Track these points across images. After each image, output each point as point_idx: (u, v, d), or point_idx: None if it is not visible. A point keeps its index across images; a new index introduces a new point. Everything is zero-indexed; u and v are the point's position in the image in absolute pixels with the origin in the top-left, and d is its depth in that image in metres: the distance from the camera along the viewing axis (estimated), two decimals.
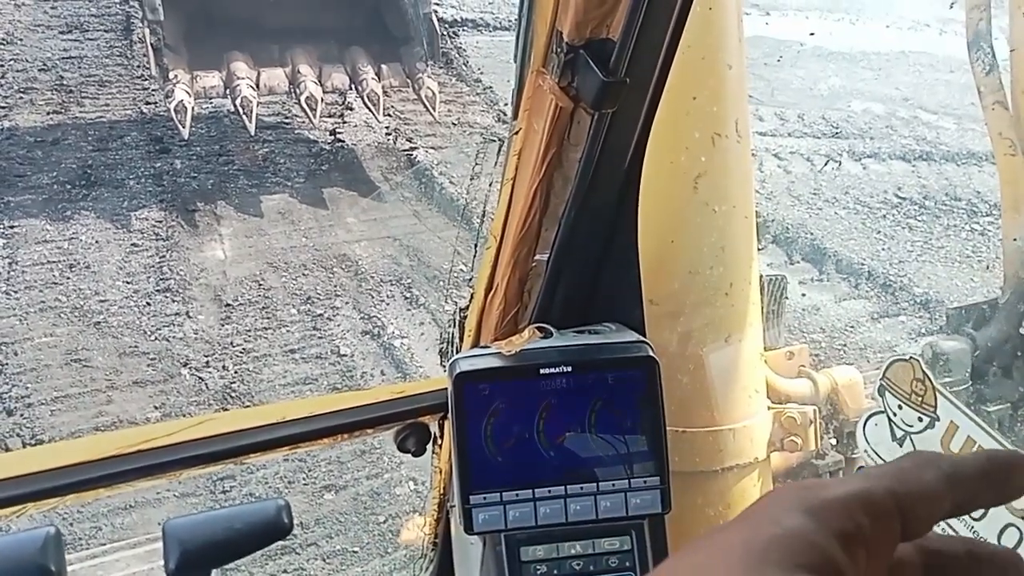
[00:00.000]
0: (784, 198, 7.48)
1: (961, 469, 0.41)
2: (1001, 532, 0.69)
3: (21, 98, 8.10)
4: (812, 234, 6.86)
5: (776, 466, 1.52)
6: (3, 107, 7.92)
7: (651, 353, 1.09)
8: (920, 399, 0.75)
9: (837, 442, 1.72)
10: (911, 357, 0.74)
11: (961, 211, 7.26)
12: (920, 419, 0.76)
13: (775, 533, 0.36)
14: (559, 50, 0.94)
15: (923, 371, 0.74)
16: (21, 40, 9.08)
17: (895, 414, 0.78)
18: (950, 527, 0.74)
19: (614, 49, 0.92)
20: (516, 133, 1.07)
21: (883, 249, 6.75)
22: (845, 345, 5.62)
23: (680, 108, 1.11)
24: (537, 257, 1.18)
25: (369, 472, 4.44)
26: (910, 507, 0.39)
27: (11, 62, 8.64)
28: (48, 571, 0.94)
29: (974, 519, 0.72)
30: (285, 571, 3.86)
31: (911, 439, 0.77)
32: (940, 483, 0.40)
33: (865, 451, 0.80)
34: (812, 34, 10.40)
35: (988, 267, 6.23)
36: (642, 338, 1.14)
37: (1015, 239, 2.39)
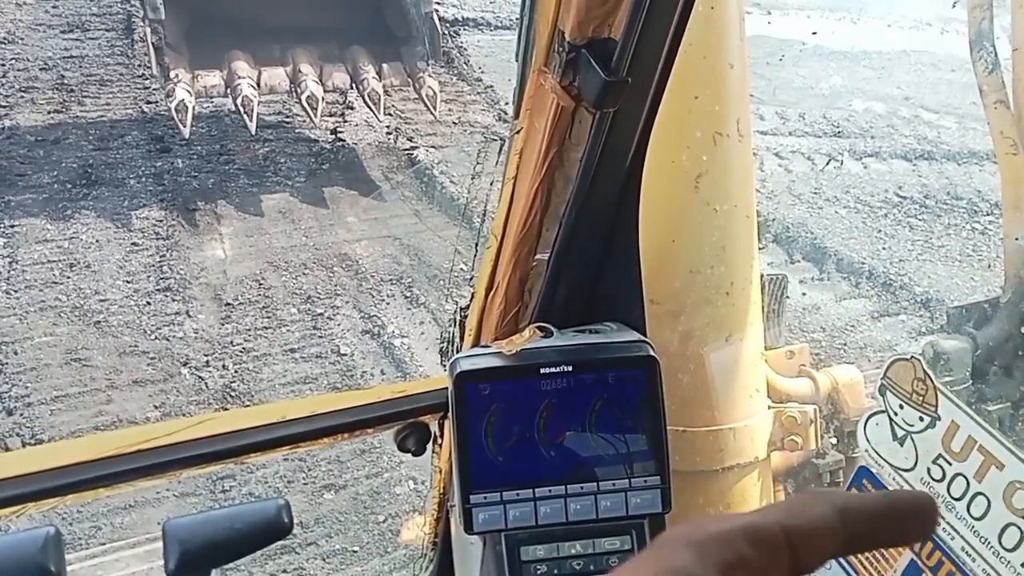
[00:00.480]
0: (785, 197, 7.48)
1: (856, 505, 0.41)
2: (1001, 532, 0.69)
3: (22, 97, 8.10)
4: (812, 233, 6.86)
5: (776, 465, 1.52)
6: (4, 106, 7.92)
7: (652, 352, 1.09)
8: (921, 399, 0.75)
9: (838, 441, 1.72)
10: (912, 356, 0.74)
11: (962, 210, 7.26)
12: (921, 419, 0.76)
13: (657, 570, 0.37)
14: (561, 49, 0.94)
15: (924, 371, 0.74)
16: (22, 39, 9.09)
17: (896, 414, 0.78)
18: (951, 526, 0.74)
19: (616, 48, 0.92)
20: (517, 132, 1.07)
21: (884, 248, 6.75)
22: (845, 344, 5.62)
23: (682, 107, 1.11)
24: (538, 256, 1.18)
25: (369, 471, 4.44)
26: (800, 540, 0.39)
27: (12, 61, 8.64)
28: (48, 571, 0.94)
29: (975, 518, 0.71)
30: (285, 570, 3.86)
31: (912, 439, 0.77)
32: (831, 517, 0.40)
33: (866, 451, 0.80)
34: (815, 33, 10.40)
35: (989, 266, 6.23)
36: (643, 337, 1.14)
37: (1016, 238, 2.39)
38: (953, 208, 7.31)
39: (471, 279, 1.35)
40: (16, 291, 5.78)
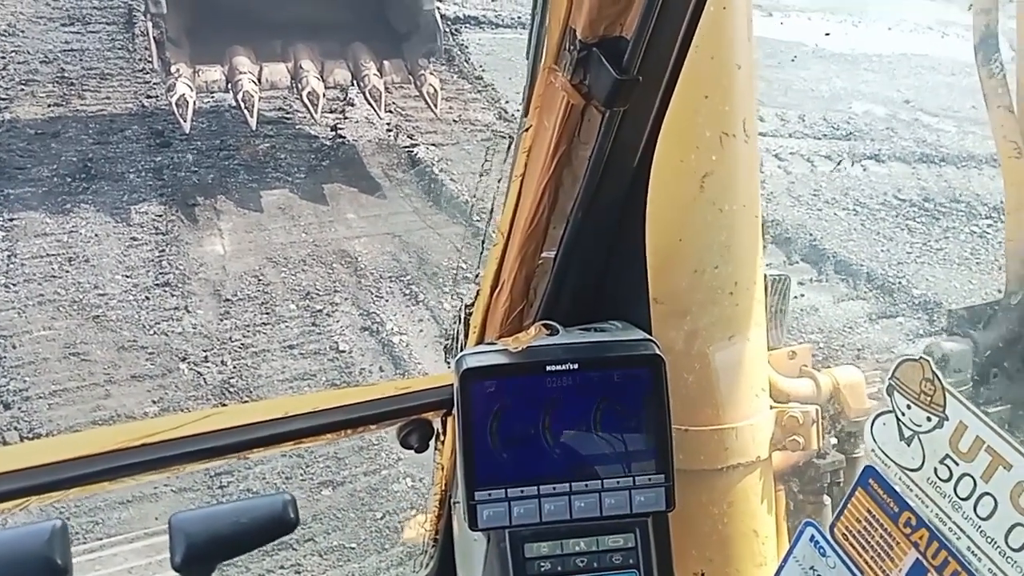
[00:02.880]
0: (784, 198, 7.49)
1: None
2: (1008, 532, 0.70)
3: (22, 90, 8.08)
4: (811, 235, 6.87)
5: (778, 465, 1.52)
6: (4, 99, 7.90)
7: (657, 351, 1.10)
8: (929, 399, 0.75)
9: (839, 442, 1.73)
10: (921, 357, 0.75)
11: (960, 213, 7.27)
12: (929, 419, 0.76)
13: None
14: (572, 47, 0.94)
15: (933, 371, 0.75)
16: (23, 32, 9.07)
17: (903, 414, 0.78)
18: (957, 525, 0.74)
19: (627, 47, 0.92)
20: (526, 130, 1.07)
21: (882, 250, 6.77)
22: (843, 346, 5.63)
23: (690, 107, 1.11)
24: (544, 254, 1.18)
25: (367, 468, 4.44)
26: None
27: (12, 54, 8.62)
28: (54, 564, 0.94)
29: (981, 518, 0.72)
30: (282, 567, 3.86)
31: (919, 439, 0.77)
32: None
33: (872, 451, 0.81)
34: (828, 34, 10.39)
35: (1000, 268, 6.24)
36: (648, 336, 1.14)
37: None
38: (952, 211, 7.33)
39: (476, 277, 1.36)
40: (15, 285, 5.77)
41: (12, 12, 9.36)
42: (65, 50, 8.83)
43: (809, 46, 10.91)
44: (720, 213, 1.22)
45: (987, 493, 0.70)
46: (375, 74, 7.10)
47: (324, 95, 7.01)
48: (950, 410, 0.73)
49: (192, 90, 6.57)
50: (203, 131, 7.65)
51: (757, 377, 1.31)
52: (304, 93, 6.83)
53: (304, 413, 1.18)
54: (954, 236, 6.95)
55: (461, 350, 1.28)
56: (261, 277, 6.07)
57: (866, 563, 0.81)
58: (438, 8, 7.44)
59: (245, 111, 6.67)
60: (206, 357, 5.24)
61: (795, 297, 5.96)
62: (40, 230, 6.36)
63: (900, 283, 6.24)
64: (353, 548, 3.98)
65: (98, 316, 5.52)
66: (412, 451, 1.28)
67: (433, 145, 7.96)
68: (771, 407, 1.38)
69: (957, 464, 0.73)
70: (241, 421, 1.16)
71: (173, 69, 6.55)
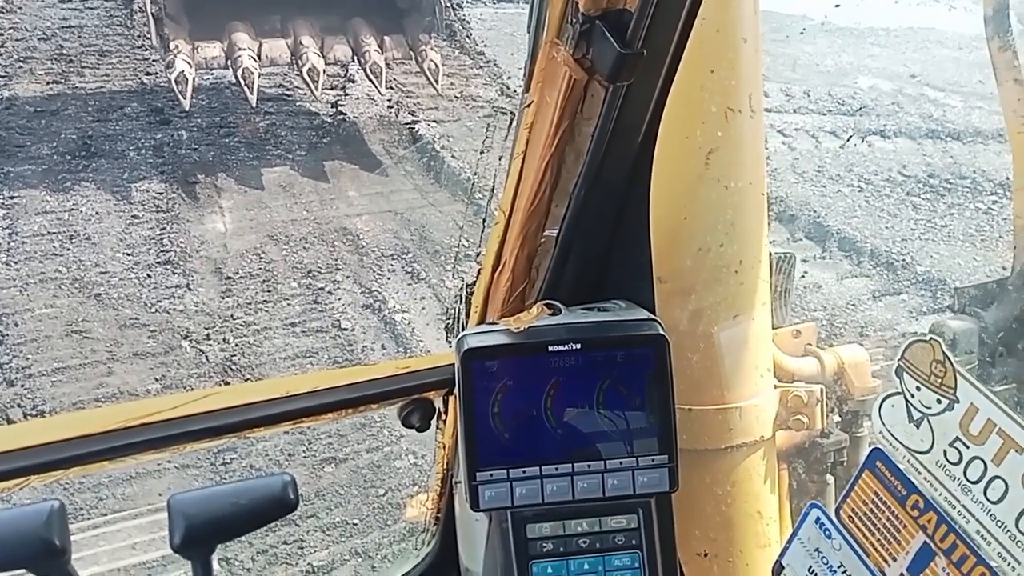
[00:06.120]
0: (788, 175, 7.44)
1: None
2: (1019, 516, 0.69)
3: (20, 67, 8.03)
4: (815, 211, 6.84)
5: (781, 445, 1.51)
6: (3, 76, 7.85)
7: (661, 331, 1.08)
8: (939, 381, 0.74)
9: (842, 421, 1.72)
10: (931, 338, 0.73)
11: (966, 190, 7.22)
12: (939, 401, 0.75)
13: None
14: (574, 20, 0.92)
15: (943, 352, 0.73)
16: (20, 9, 8.99)
17: (912, 396, 0.77)
18: (966, 509, 0.73)
19: (631, 20, 0.90)
20: (528, 106, 1.05)
21: (886, 227, 6.73)
22: (846, 323, 5.62)
23: (695, 82, 1.08)
24: (546, 233, 1.16)
25: (369, 445, 4.46)
26: None
27: (10, 31, 8.56)
28: (52, 545, 0.93)
29: (991, 502, 0.71)
30: (285, 542, 3.89)
31: (929, 421, 0.76)
32: None
33: (880, 433, 0.80)
34: (838, 6, 10.25)
35: (1005, 245, 6.21)
36: (652, 316, 1.13)
37: None
38: (957, 187, 7.28)
39: (478, 255, 1.34)
40: (16, 263, 5.77)
41: None
42: (63, 27, 8.76)
43: (816, 20, 10.79)
44: (725, 191, 1.20)
45: (997, 476, 0.69)
46: (376, 50, 7.04)
47: (324, 71, 6.96)
48: (961, 392, 0.72)
49: (191, 67, 6.53)
50: (203, 108, 7.61)
51: (761, 356, 1.29)
52: (304, 69, 6.78)
53: (305, 392, 1.18)
54: (959, 213, 6.90)
55: (462, 329, 1.27)
56: (262, 255, 6.05)
57: (872, 546, 0.80)
58: None
59: (245, 88, 6.62)
60: (208, 335, 5.24)
61: (800, 276, 5.95)
62: (41, 208, 6.35)
63: (904, 260, 6.21)
64: (356, 524, 4.01)
65: (100, 294, 5.52)
66: (414, 430, 1.28)
67: (434, 122, 7.91)
68: (775, 386, 1.37)
69: (967, 447, 0.71)
70: (242, 400, 1.15)
71: (172, 46, 6.50)
